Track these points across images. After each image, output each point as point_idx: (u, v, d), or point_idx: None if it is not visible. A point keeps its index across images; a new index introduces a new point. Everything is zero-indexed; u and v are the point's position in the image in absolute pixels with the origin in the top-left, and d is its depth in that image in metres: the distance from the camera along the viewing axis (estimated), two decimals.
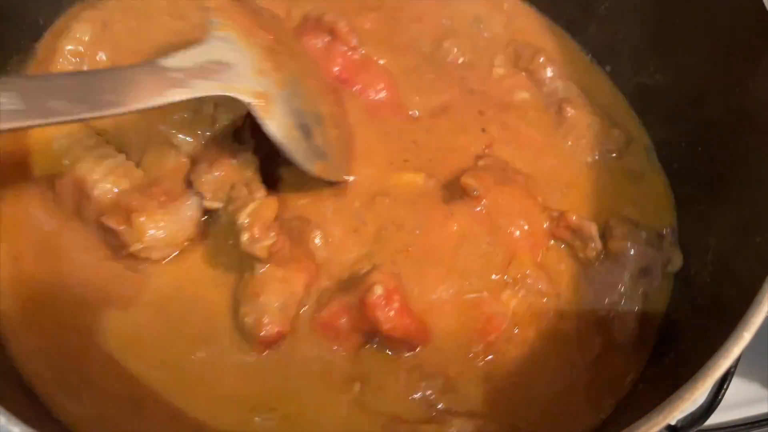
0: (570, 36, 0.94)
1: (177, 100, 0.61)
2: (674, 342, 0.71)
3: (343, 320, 0.67)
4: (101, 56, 0.76)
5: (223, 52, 0.64)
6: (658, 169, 0.85)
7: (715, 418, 0.72)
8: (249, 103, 0.64)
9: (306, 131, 0.68)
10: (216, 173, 0.69)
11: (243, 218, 0.65)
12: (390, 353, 0.68)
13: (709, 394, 0.70)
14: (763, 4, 0.68)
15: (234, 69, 0.64)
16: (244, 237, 0.64)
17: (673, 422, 0.67)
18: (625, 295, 0.74)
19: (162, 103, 0.60)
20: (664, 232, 0.77)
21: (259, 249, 0.64)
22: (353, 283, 0.68)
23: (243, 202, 0.66)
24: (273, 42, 0.69)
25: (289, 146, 0.66)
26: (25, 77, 0.57)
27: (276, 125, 0.65)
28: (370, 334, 0.67)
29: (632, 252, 0.74)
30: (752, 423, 0.85)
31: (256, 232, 0.64)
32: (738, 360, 0.57)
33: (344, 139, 0.75)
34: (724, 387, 0.70)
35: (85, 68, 0.75)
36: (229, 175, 0.69)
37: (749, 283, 0.59)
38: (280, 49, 0.70)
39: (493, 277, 0.72)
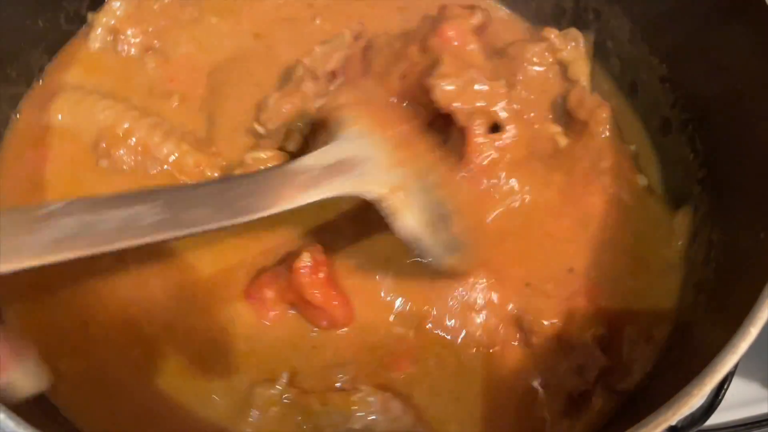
0: None
1: (310, 201, 0.60)
2: (679, 338, 0.71)
3: (270, 291, 0.68)
4: (131, 31, 0.80)
5: (356, 147, 0.63)
6: None
7: (715, 418, 0.72)
8: (380, 201, 0.61)
9: (445, 221, 0.65)
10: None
11: None
12: (311, 327, 0.69)
13: (709, 395, 0.70)
14: None
15: (367, 163, 0.62)
16: None
17: (673, 422, 0.67)
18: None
19: (295, 206, 0.59)
20: None
21: None
22: (286, 258, 0.69)
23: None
24: (409, 132, 0.68)
25: (425, 241, 0.63)
26: (171, 188, 0.59)
27: (413, 219, 0.62)
28: (295, 305, 0.68)
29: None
30: (752, 423, 0.85)
31: None
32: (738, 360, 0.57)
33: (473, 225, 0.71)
34: (725, 387, 0.70)
35: (118, 45, 0.79)
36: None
37: (754, 278, 0.59)
38: (415, 140, 0.68)
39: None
